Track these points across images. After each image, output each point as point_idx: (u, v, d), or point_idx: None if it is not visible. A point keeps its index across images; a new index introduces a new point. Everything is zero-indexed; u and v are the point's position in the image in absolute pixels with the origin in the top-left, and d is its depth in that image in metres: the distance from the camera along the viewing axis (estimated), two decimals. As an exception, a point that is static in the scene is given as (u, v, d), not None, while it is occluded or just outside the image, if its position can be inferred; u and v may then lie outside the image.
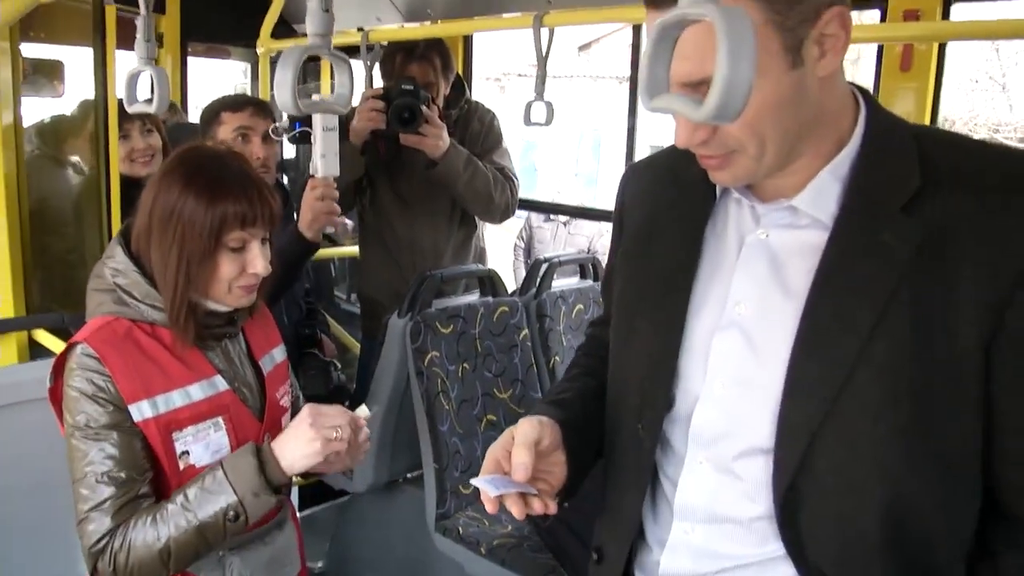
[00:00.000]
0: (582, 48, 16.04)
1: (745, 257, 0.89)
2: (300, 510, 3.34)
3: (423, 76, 2.24)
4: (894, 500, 0.81)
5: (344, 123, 2.25)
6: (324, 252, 3.52)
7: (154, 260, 1.24)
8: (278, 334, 1.46)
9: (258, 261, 1.25)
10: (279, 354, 1.44)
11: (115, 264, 1.27)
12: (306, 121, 1.69)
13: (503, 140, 2.46)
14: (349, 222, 3.49)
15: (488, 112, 2.47)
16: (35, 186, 2.40)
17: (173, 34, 3.20)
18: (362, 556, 2.46)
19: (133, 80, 1.51)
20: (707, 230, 0.93)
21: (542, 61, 1.89)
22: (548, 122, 1.94)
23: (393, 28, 2.68)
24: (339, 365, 2.23)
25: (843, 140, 0.85)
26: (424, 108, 2.13)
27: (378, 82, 2.46)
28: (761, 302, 0.87)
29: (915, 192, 0.80)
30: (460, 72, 2.90)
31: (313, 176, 1.71)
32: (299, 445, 1.22)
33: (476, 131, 2.41)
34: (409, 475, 2.39)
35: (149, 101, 1.50)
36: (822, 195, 0.84)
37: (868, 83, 2.12)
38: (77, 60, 2.93)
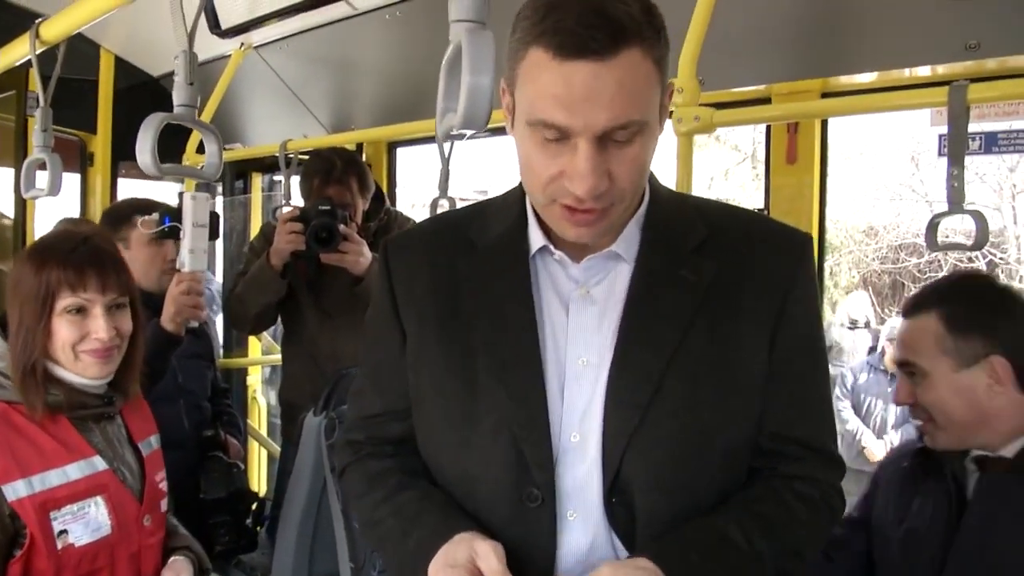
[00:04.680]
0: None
1: (575, 314, 0.96)
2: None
3: (340, 197, 2.30)
4: (688, 483, 0.94)
5: (267, 245, 2.33)
6: (250, 360, 3.53)
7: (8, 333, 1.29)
8: (154, 424, 1.49)
9: (99, 325, 1.29)
10: (155, 442, 1.46)
11: None
12: (176, 216, 1.73)
13: None
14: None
15: (408, 219, 2.55)
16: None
17: (104, 154, 3.25)
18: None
19: (31, 167, 1.57)
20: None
21: (445, 162, 2.00)
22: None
23: (314, 139, 2.79)
24: (242, 467, 2.19)
25: (642, 197, 0.97)
26: (342, 227, 2.19)
27: (298, 194, 2.54)
28: (598, 349, 0.95)
29: (703, 239, 0.97)
30: (386, 182, 3.02)
31: (179, 271, 1.75)
32: None
33: None
34: (332, 583, 2.32)
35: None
36: (631, 242, 0.96)
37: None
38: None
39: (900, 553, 1.33)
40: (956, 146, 1.25)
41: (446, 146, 2.03)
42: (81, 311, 1.29)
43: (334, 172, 2.31)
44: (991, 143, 2.16)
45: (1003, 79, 1.55)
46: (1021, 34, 1.58)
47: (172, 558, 1.41)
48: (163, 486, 1.43)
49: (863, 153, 10.12)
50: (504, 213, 1.02)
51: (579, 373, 0.94)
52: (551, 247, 0.97)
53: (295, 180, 2.66)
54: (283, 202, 2.64)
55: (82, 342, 1.29)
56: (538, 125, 0.84)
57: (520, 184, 1.03)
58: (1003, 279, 9.80)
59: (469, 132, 0.68)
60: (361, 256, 2.22)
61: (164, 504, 1.42)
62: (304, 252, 2.22)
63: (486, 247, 1.00)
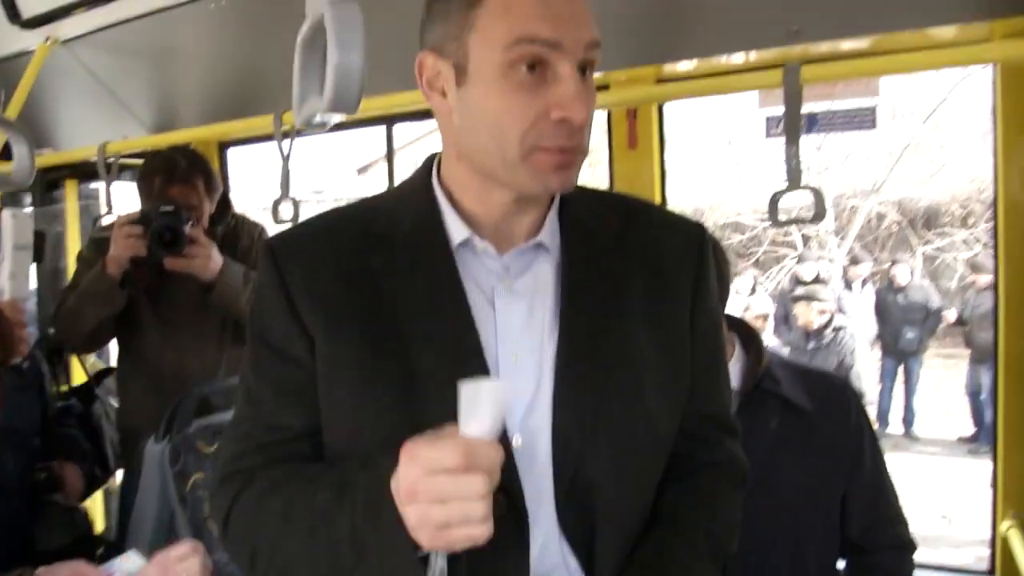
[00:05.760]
0: (361, 170, 16.36)
1: (501, 309, 0.91)
2: None
3: (185, 199, 2.11)
4: (641, 476, 0.93)
5: (98, 254, 2.11)
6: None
7: None
8: None
9: None
10: None
11: None
12: None
13: None
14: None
15: (256, 225, 2.39)
16: None
17: None
18: None
19: None
20: None
21: (285, 160, 1.89)
22: (295, 220, 1.92)
23: (136, 140, 2.58)
24: (84, 509, 1.99)
25: None
26: (187, 228, 2.01)
27: (118, 202, 2.33)
28: (530, 349, 0.90)
29: (618, 229, 0.96)
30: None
31: None
32: None
33: (246, 246, 2.30)
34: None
35: None
36: (554, 232, 0.94)
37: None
38: None
39: None
40: (792, 126, 1.32)
41: (285, 144, 1.92)
42: None
43: (177, 171, 2.12)
44: (812, 123, 2.32)
45: (831, 61, 1.66)
46: (839, 19, 1.68)
47: None
48: None
49: (689, 138, 10.69)
50: (411, 205, 0.94)
51: (512, 371, 0.89)
52: (476, 237, 0.91)
53: (117, 187, 2.45)
54: (105, 211, 2.41)
55: None
56: (522, 44, 0.80)
57: (417, 173, 0.97)
58: (816, 250, 10.68)
59: (334, 119, 0.61)
60: (211, 260, 2.04)
61: None
62: (145, 258, 2.02)
63: (399, 241, 0.91)
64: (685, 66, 2.06)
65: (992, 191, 1.76)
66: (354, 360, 0.89)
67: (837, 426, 1.39)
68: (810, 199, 1.38)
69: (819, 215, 1.34)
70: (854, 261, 8.05)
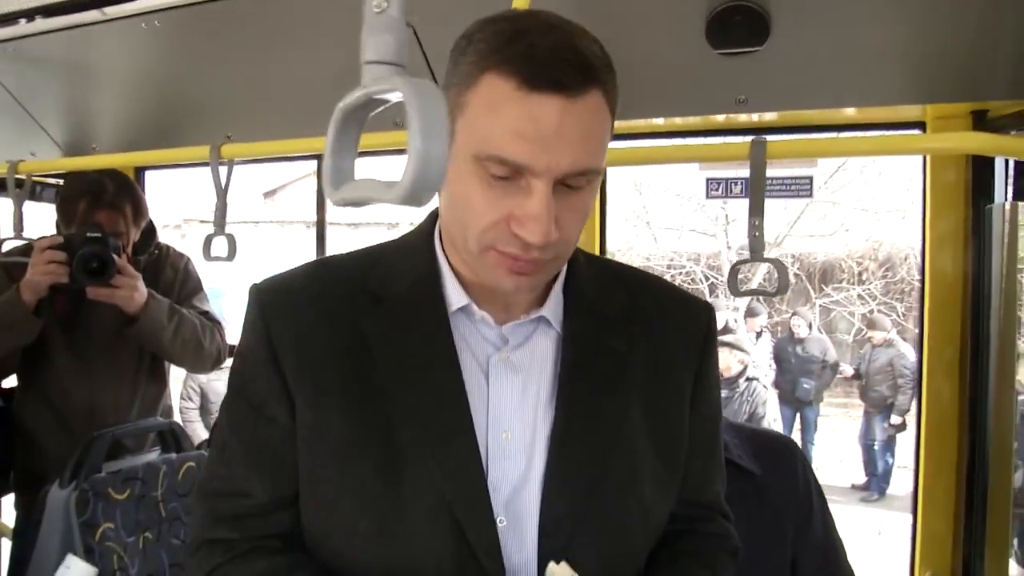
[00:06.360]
0: (267, 194, 15.97)
1: (495, 381, 0.87)
2: None
3: (112, 225, 2.00)
4: (630, 561, 0.90)
5: (12, 279, 1.97)
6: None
7: None
8: None
9: None
10: None
11: None
12: None
13: (202, 284, 2.27)
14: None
15: (181, 256, 2.28)
16: None
17: None
18: None
19: None
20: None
21: (221, 194, 1.80)
22: (231, 256, 1.83)
23: (48, 161, 2.42)
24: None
25: None
26: (116, 257, 1.90)
27: (31, 224, 2.18)
28: (522, 426, 0.86)
29: (625, 306, 0.93)
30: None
31: None
32: None
33: (170, 278, 2.19)
34: None
35: None
36: (558, 306, 0.90)
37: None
38: None
39: None
40: (756, 197, 1.33)
41: (222, 173, 1.83)
42: None
43: (105, 195, 2.01)
44: (746, 188, 2.39)
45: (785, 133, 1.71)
46: (784, 93, 1.74)
47: None
48: None
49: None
50: (410, 263, 0.90)
51: (504, 449, 0.85)
52: (475, 306, 0.87)
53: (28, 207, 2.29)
54: (13, 234, 2.24)
55: None
56: (491, 161, 0.75)
57: (420, 229, 0.92)
58: (722, 299, 11.04)
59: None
60: (136, 291, 1.93)
61: None
62: (67, 285, 1.89)
63: (394, 303, 0.87)
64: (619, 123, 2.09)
65: (918, 261, 1.84)
66: (337, 426, 0.85)
67: (785, 488, 1.39)
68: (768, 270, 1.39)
69: (783, 287, 1.34)
70: (751, 313, 8.32)
